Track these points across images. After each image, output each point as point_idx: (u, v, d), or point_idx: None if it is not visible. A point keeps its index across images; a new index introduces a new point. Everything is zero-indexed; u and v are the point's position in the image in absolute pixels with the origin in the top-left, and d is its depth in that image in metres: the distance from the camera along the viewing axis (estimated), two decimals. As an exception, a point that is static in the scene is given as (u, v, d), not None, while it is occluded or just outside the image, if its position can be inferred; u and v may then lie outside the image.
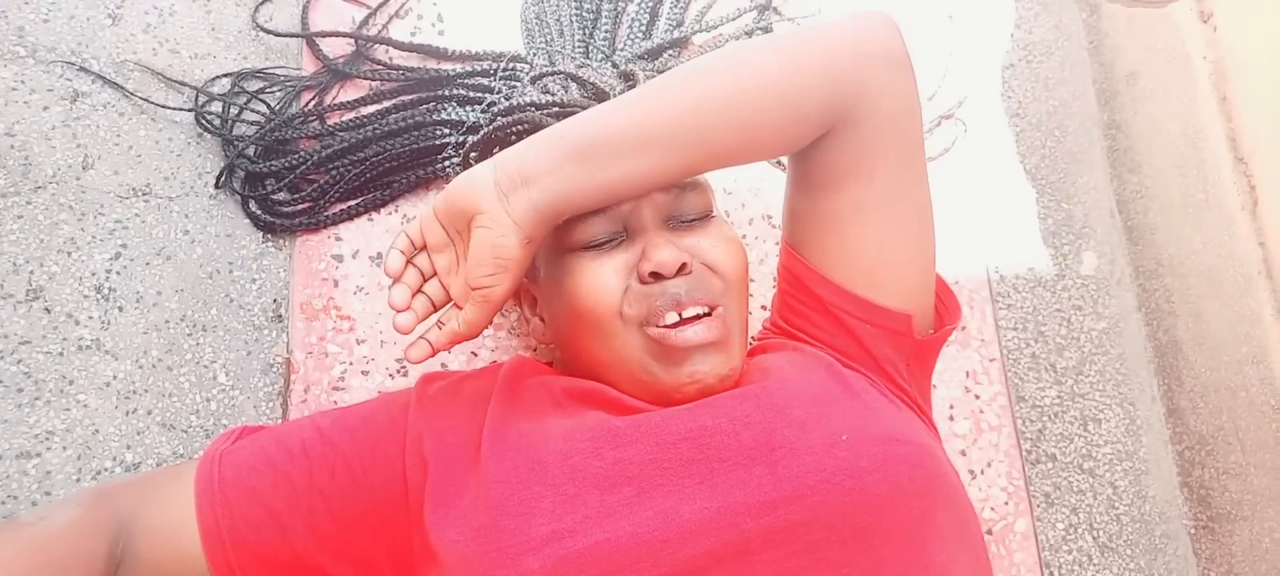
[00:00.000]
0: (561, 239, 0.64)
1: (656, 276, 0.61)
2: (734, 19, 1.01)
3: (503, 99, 0.87)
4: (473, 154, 0.74)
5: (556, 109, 0.74)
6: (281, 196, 0.86)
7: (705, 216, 0.66)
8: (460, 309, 0.61)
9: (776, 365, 0.64)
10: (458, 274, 0.61)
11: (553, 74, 0.81)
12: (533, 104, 0.73)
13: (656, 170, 0.60)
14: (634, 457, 0.56)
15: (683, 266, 0.61)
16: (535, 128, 0.72)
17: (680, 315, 0.61)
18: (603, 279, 0.62)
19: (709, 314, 0.62)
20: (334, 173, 0.86)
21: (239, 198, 0.85)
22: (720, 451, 0.56)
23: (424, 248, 0.62)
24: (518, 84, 0.88)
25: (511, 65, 0.91)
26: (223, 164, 0.84)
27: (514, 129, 0.73)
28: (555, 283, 0.66)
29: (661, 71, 0.93)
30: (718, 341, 0.61)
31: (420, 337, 0.62)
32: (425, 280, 0.63)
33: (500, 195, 0.58)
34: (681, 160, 0.60)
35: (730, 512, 0.52)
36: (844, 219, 0.64)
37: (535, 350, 0.86)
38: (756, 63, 0.60)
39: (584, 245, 0.63)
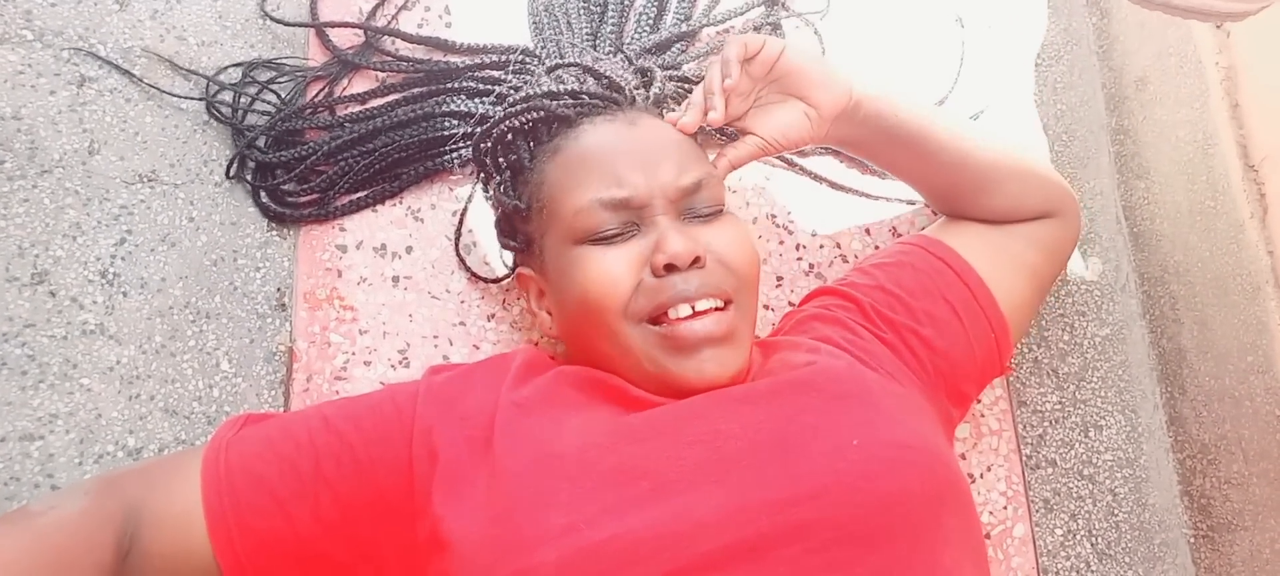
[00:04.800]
0: (570, 229, 0.64)
1: (671, 268, 0.62)
2: (742, 13, 1.01)
3: (511, 91, 0.87)
4: (484, 143, 0.75)
5: (571, 99, 0.74)
6: (290, 187, 0.86)
7: (717, 211, 0.67)
8: (727, 126, 0.73)
9: (792, 363, 0.64)
10: (753, 105, 0.73)
11: (568, 66, 0.82)
12: (549, 94, 0.74)
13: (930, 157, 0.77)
14: (650, 453, 0.57)
15: (697, 259, 0.62)
16: (550, 117, 0.72)
17: (693, 309, 0.62)
18: (613, 271, 0.63)
19: (723, 308, 0.63)
20: (343, 164, 0.86)
21: (249, 187, 0.85)
22: (735, 453, 0.57)
23: (745, 61, 0.70)
24: (530, 76, 0.88)
25: (522, 59, 0.91)
26: (230, 152, 0.85)
27: (528, 118, 0.73)
28: (563, 274, 0.66)
29: (670, 66, 0.94)
30: (727, 335, 0.62)
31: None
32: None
33: (837, 116, 0.73)
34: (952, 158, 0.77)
35: (746, 509, 0.53)
36: (1019, 261, 0.78)
37: (538, 343, 0.86)
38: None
39: (593, 236, 0.64)
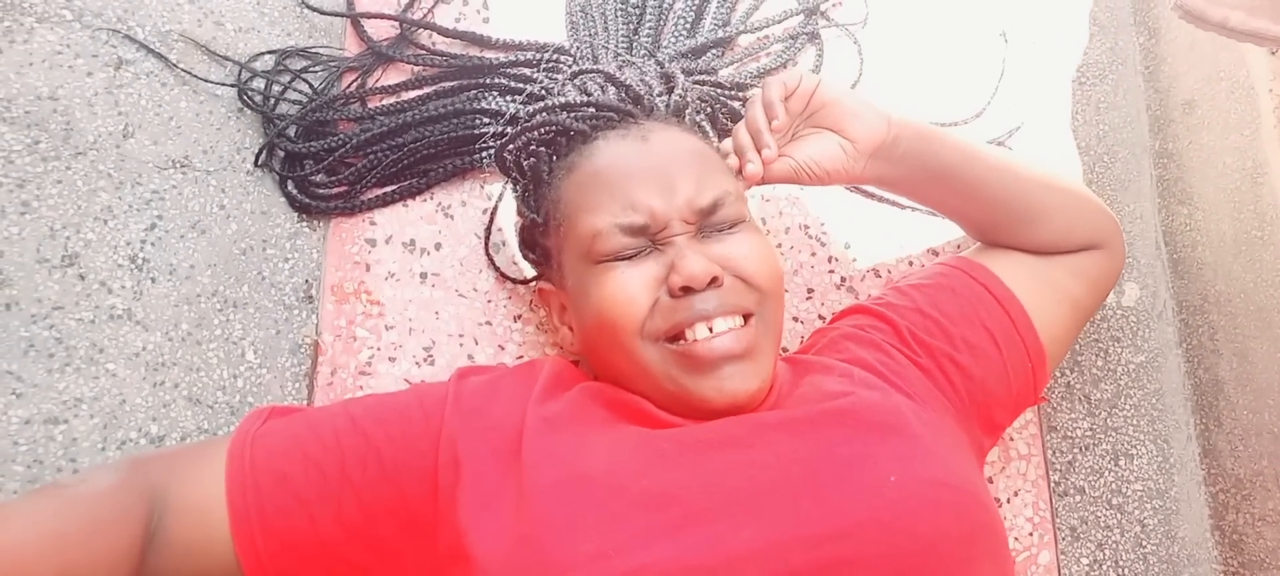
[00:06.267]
0: (587, 249, 0.63)
1: (687, 290, 0.60)
2: (780, 21, 0.99)
3: (542, 91, 0.86)
4: (509, 149, 0.74)
5: (592, 111, 0.73)
6: (319, 178, 0.85)
7: (737, 223, 0.65)
8: (765, 151, 0.71)
9: (827, 391, 0.63)
10: (788, 136, 0.73)
11: (590, 72, 0.81)
12: (567, 105, 0.73)
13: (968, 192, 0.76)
14: (681, 480, 0.55)
15: (714, 279, 0.61)
16: (569, 130, 0.71)
17: (711, 329, 0.61)
18: (629, 292, 0.62)
19: (743, 324, 0.61)
20: (372, 157, 0.85)
21: (277, 177, 0.84)
22: (769, 483, 0.55)
23: (787, 97, 0.71)
24: (559, 76, 0.87)
25: (554, 57, 0.89)
26: (262, 141, 0.84)
27: (545, 132, 0.72)
28: (580, 292, 0.65)
29: (704, 71, 0.92)
30: (747, 351, 0.61)
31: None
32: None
33: (875, 151, 0.72)
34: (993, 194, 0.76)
35: (779, 545, 0.52)
36: (1062, 291, 0.76)
37: (561, 350, 0.85)
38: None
39: (610, 256, 0.63)
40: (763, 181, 0.72)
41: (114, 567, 0.54)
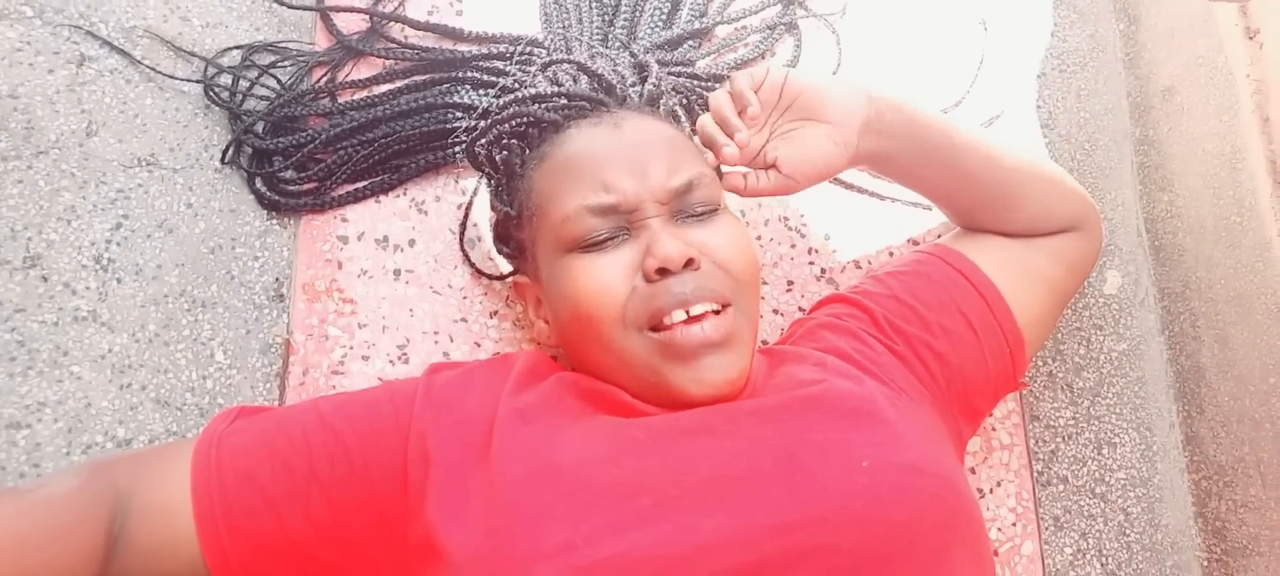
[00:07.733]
0: (559, 237, 0.63)
1: (663, 272, 0.59)
2: (758, 11, 0.99)
3: (515, 84, 0.85)
4: (480, 142, 0.73)
5: (563, 101, 0.72)
6: (288, 175, 0.84)
7: (713, 210, 0.65)
8: (756, 165, 0.71)
9: (800, 379, 0.62)
10: (770, 137, 0.71)
11: (562, 63, 0.80)
12: (538, 95, 0.72)
13: (957, 173, 0.75)
14: (651, 468, 0.55)
15: (690, 261, 0.60)
16: (540, 121, 0.70)
17: (687, 313, 0.60)
18: (605, 280, 0.61)
19: (719, 312, 0.60)
20: (342, 153, 0.84)
21: (245, 174, 0.83)
22: (740, 472, 0.55)
23: (755, 89, 0.70)
24: (532, 69, 0.86)
25: (527, 50, 0.88)
26: (230, 137, 0.83)
27: (516, 123, 0.71)
28: (555, 283, 0.64)
29: (680, 62, 0.91)
30: (726, 339, 0.60)
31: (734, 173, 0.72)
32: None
33: (862, 127, 0.70)
34: (977, 179, 0.75)
35: (749, 532, 0.51)
36: (1039, 275, 0.76)
37: (538, 345, 0.84)
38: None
39: (584, 244, 0.62)
40: (748, 194, 0.71)
41: (74, 571, 0.53)
